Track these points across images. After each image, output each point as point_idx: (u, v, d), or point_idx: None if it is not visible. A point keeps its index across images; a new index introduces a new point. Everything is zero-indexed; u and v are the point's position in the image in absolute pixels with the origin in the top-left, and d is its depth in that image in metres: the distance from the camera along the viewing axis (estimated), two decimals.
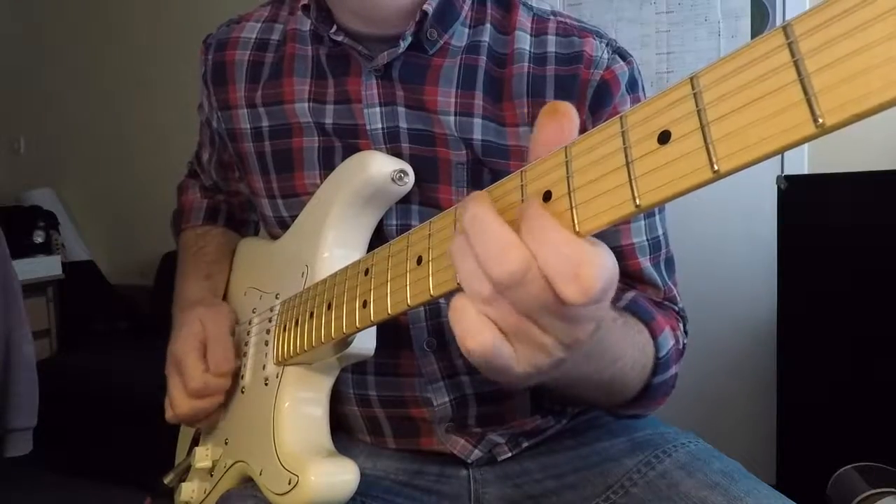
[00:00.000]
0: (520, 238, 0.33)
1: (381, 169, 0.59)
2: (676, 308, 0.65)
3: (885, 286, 1.40)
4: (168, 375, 0.66)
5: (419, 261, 0.42)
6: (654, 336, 0.56)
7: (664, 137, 0.29)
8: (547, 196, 0.34)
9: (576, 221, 0.32)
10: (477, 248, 0.34)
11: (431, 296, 0.40)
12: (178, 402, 0.64)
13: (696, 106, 0.28)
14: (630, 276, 0.63)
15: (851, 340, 1.44)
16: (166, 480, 0.70)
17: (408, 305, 0.43)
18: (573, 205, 0.33)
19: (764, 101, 0.26)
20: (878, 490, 1.23)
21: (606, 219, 0.32)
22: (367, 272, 0.49)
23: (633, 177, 0.30)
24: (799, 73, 0.25)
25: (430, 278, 0.40)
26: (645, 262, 0.63)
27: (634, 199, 0.30)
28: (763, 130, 0.26)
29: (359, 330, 0.50)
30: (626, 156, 0.31)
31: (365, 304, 0.48)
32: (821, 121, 0.24)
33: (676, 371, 0.59)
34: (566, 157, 0.34)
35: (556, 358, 0.36)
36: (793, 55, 0.25)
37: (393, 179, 0.59)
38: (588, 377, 0.49)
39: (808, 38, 0.25)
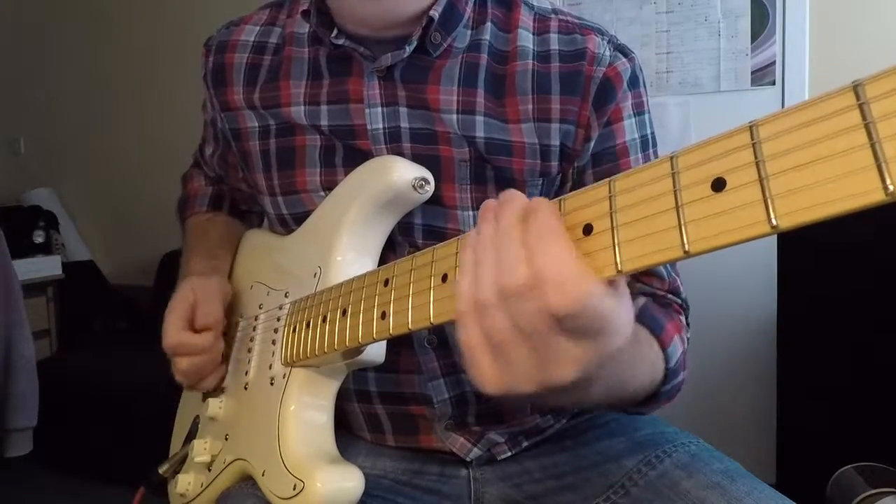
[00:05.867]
0: (522, 233, 0.34)
1: (402, 175, 0.58)
2: (679, 301, 0.65)
3: (885, 286, 1.40)
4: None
5: (444, 278, 0.42)
6: (664, 347, 0.56)
7: (718, 185, 0.29)
8: (587, 229, 0.34)
9: (619, 260, 0.32)
10: (501, 254, 0.34)
11: None
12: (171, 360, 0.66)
13: (755, 157, 0.28)
14: None
15: (851, 340, 1.44)
16: (161, 470, 0.70)
17: (430, 323, 0.42)
18: (616, 242, 0.32)
19: (828, 161, 0.25)
20: (878, 490, 1.23)
21: (652, 261, 0.31)
22: (386, 283, 0.48)
23: (683, 221, 0.30)
24: (870, 137, 0.24)
25: None
26: None
27: (684, 244, 0.29)
28: (827, 192, 0.25)
29: (375, 341, 0.49)
30: (677, 199, 0.30)
31: (384, 316, 0.47)
32: (892, 188, 0.24)
33: (684, 376, 0.59)
34: (610, 191, 0.33)
35: (526, 392, 0.36)
36: (864, 118, 0.24)
37: (414, 187, 0.58)
38: (590, 398, 0.47)
39: (881, 101, 0.24)
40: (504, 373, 0.36)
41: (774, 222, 0.27)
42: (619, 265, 0.32)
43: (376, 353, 0.57)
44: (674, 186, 0.30)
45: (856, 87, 0.25)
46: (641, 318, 0.57)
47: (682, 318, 0.64)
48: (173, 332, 0.64)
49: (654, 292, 0.64)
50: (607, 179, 0.33)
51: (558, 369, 0.35)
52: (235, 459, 0.63)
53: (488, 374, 0.36)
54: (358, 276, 0.53)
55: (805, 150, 0.26)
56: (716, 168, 0.29)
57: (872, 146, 0.24)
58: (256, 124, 0.68)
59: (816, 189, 0.26)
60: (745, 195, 0.28)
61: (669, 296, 0.64)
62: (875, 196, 0.24)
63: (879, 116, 0.24)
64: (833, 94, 0.26)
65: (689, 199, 0.30)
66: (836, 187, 0.25)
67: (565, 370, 0.35)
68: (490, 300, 0.35)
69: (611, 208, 0.33)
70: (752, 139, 0.28)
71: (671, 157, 0.31)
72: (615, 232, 0.32)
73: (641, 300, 0.61)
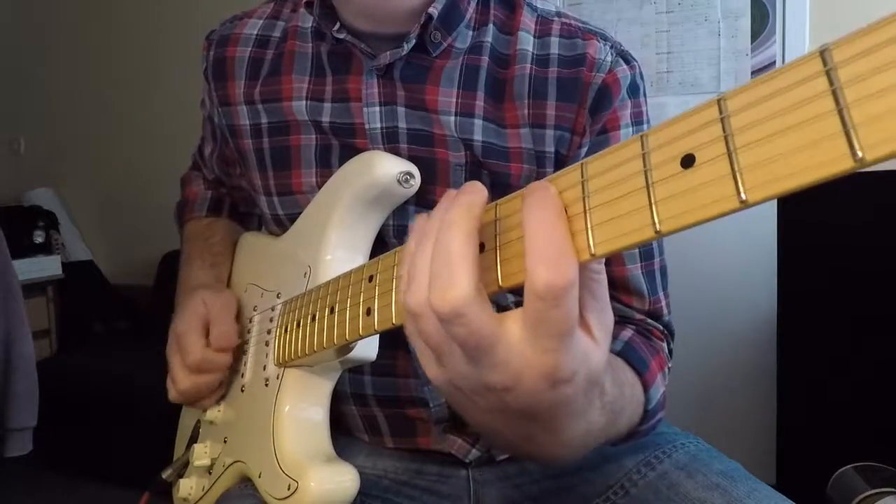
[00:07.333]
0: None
1: (386, 170, 0.58)
2: (660, 326, 0.64)
3: (885, 286, 1.40)
4: (169, 355, 0.65)
5: None
6: (647, 388, 0.55)
7: (688, 161, 0.28)
8: None
9: (591, 243, 0.31)
10: (434, 264, 0.34)
11: None
12: (179, 378, 0.64)
13: (724, 131, 0.27)
14: (614, 285, 0.61)
15: (851, 340, 1.44)
16: (165, 475, 0.70)
17: None
18: (589, 225, 0.32)
19: (796, 130, 0.25)
20: (878, 490, 1.23)
21: (623, 243, 0.30)
22: (371, 279, 0.48)
23: (653, 201, 0.29)
24: (837, 103, 0.23)
25: None
26: (634, 270, 0.62)
27: (654, 224, 0.29)
28: (796, 162, 0.25)
29: (362, 337, 0.49)
30: (647, 178, 0.29)
31: (369, 312, 0.47)
32: (860, 154, 0.23)
33: (661, 416, 0.58)
34: (582, 175, 0.32)
35: (469, 388, 0.36)
36: (831, 83, 0.24)
37: (399, 181, 0.58)
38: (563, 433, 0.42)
39: (849, 65, 0.23)
40: (445, 370, 0.36)
41: (743, 196, 0.26)
42: (591, 248, 0.31)
43: (367, 349, 0.56)
44: (644, 166, 0.30)
45: (822, 53, 0.24)
46: (625, 353, 0.57)
47: (665, 348, 0.63)
48: (198, 348, 0.63)
49: (633, 316, 0.63)
50: (580, 163, 0.33)
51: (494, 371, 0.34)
52: (234, 462, 0.63)
53: (432, 371, 0.37)
54: (344, 274, 0.52)
55: (772, 120, 0.25)
56: (685, 144, 0.28)
57: (840, 112, 0.23)
58: (248, 122, 0.68)
59: (784, 160, 0.25)
60: (713, 170, 0.27)
61: (649, 321, 0.63)
62: (844, 164, 0.23)
63: (847, 81, 0.23)
64: (800, 60, 0.25)
65: (659, 178, 0.29)
66: (803, 157, 0.24)
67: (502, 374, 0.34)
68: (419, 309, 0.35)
69: (583, 192, 0.32)
70: (721, 113, 0.27)
71: (642, 137, 0.30)
72: (588, 215, 0.32)
73: (627, 333, 0.60)
